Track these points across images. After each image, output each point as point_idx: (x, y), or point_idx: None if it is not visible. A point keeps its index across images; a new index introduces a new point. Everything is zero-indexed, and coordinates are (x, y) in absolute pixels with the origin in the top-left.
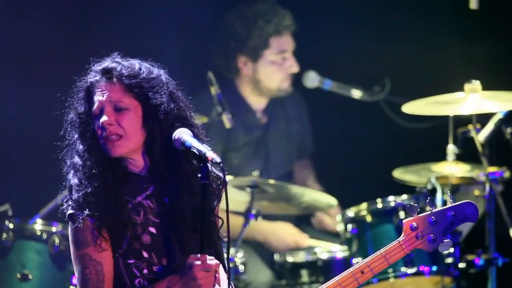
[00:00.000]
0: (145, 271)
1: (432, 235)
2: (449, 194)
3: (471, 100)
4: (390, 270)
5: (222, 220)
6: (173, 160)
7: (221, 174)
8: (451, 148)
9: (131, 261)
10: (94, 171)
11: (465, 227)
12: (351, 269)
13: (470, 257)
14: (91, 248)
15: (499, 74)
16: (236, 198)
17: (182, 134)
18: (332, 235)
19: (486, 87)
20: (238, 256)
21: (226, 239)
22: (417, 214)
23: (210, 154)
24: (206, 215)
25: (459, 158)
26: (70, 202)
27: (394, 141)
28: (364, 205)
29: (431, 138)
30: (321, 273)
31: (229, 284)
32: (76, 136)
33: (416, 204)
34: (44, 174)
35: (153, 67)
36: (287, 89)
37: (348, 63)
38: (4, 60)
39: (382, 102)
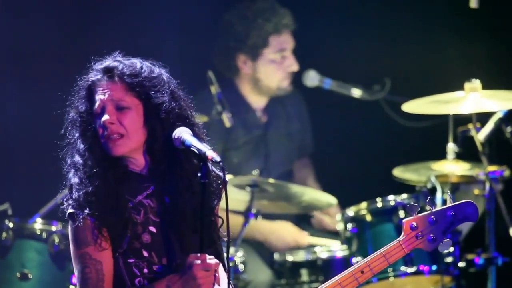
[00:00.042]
0: (145, 270)
1: (432, 235)
2: (449, 193)
3: (471, 99)
4: (390, 269)
5: (222, 219)
6: (174, 159)
7: (221, 173)
8: (451, 147)
9: (131, 260)
10: (94, 170)
11: (465, 226)
12: (351, 268)
13: (470, 256)
14: (91, 247)
15: (499, 73)
16: (236, 197)
17: (182, 133)
18: (332, 234)
19: (486, 86)
20: (238, 255)
21: (226, 239)
22: (417, 214)
23: (210, 153)
24: (206, 215)
25: (459, 156)
26: (70, 201)
27: (394, 140)
28: (364, 204)
29: (431, 137)
30: (320, 272)
31: (228, 283)
32: (77, 135)
33: (416, 204)
34: (44, 174)
35: (154, 66)
36: (287, 88)
37: (348, 62)
38: (4, 60)
39: (382, 101)
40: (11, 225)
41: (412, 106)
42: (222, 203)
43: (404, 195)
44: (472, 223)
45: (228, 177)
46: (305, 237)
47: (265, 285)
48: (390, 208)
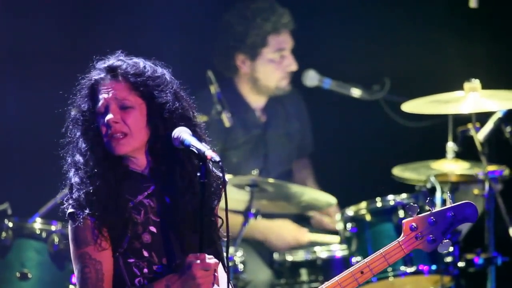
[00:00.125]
0: (145, 270)
1: (431, 236)
2: (448, 193)
3: (471, 99)
4: (389, 269)
5: (222, 219)
6: (175, 159)
7: (220, 173)
8: (451, 146)
9: (131, 260)
10: (95, 170)
11: (464, 226)
12: (350, 269)
13: (469, 256)
14: (91, 247)
15: (498, 73)
16: (235, 197)
17: (181, 132)
18: (331, 233)
19: (485, 86)
20: (238, 255)
21: (225, 238)
22: (417, 214)
23: (209, 153)
24: (206, 215)
25: (459, 156)
26: (70, 201)
27: (394, 140)
28: (363, 204)
29: (430, 137)
30: (320, 272)
31: (228, 283)
32: (78, 134)
33: (415, 204)
34: (43, 173)
35: (157, 66)
36: (286, 88)
37: (347, 62)
38: (4, 60)
39: (381, 101)
40: (10, 224)
41: (412, 106)
42: (222, 203)
43: (404, 195)
44: (471, 223)
45: (228, 176)
46: (304, 234)
47: (265, 285)
48: (390, 208)
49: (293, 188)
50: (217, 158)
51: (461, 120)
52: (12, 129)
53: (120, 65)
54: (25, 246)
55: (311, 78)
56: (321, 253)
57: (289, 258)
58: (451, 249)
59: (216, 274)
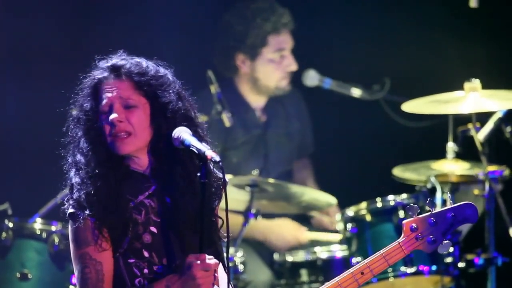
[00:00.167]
0: (146, 270)
1: (431, 236)
2: (448, 194)
3: (471, 99)
4: (389, 269)
5: (222, 220)
6: (177, 159)
7: (220, 173)
8: (451, 146)
9: (132, 260)
10: (97, 170)
11: (464, 227)
12: (351, 270)
13: (469, 256)
14: (91, 247)
15: (498, 73)
16: (235, 197)
17: (182, 132)
18: (331, 232)
19: (485, 85)
20: (238, 255)
21: (226, 239)
22: (417, 215)
23: (209, 153)
24: (206, 215)
25: (459, 156)
26: (71, 201)
27: (394, 140)
28: (363, 204)
29: (430, 137)
30: (320, 272)
31: (228, 283)
32: (80, 133)
33: (415, 205)
34: (43, 173)
35: (159, 66)
36: (286, 88)
37: (348, 61)
38: (4, 60)
39: (382, 101)
40: (11, 225)
41: (412, 106)
42: (222, 203)
43: (404, 195)
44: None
45: (228, 177)
46: (304, 234)
47: (265, 285)
48: (390, 208)
49: (293, 188)
50: (217, 158)
51: (461, 120)
52: (12, 129)
53: (124, 64)
54: (25, 247)
55: (311, 78)
56: (321, 253)
57: (289, 258)
58: (451, 249)
59: (216, 274)
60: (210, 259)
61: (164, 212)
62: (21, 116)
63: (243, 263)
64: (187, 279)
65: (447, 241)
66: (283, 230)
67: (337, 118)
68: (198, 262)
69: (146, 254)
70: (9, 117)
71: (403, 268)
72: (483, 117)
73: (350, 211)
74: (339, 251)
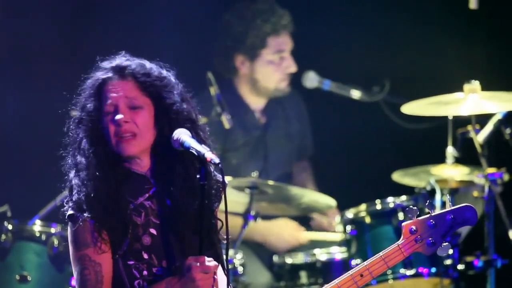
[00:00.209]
0: (145, 272)
1: (431, 239)
2: (448, 196)
3: (471, 100)
4: (389, 272)
5: (222, 222)
6: (178, 161)
7: (220, 175)
8: (450, 151)
9: (131, 262)
10: (97, 172)
11: (464, 229)
12: (350, 272)
13: (469, 258)
14: (90, 249)
15: (498, 75)
16: (235, 199)
17: (181, 134)
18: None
19: (485, 87)
20: (237, 257)
21: (225, 241)
22: (417, 217)
23: (209, 155)
24: (206, 217)
25: (458, 161)
26: (70, 203)
27: (394, 142)
28: (363, 206)
29: (430, 138)
30: (320, 274)
31: (228, 285)
32: (81, 134)
33: (415, 207)
34: (43, 175)
35: (161, 68)
36: (285, 89)
37: (347, 63)
38: (4, 60)
39: (381, 103)
40: (10, 227)
41: (412, 108)
42: (222, 205)
43: (403, 197)
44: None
45: (227, 178)
46: (303, 234)
47: (264, 287)
48: (389, 210)
49: (292, 190)
50: (217, 160)
51: (461, 122)
52: (12, 129)
53: (129, 65)
54: (25, 249)
55: (311, 80)
56: (321, 255)
57: (288, 260)
58: (450, 252)
59: (215, 276)
60: (210, 261)
61: (164, 214)
62: (21, 116)
63: (242, 265)
64: (187, 281)
65: (447, 243)
66: (283, 230)
67: (337, 120)
68: (198, 264)
69: (145, 256)
70: (9, 117)
71: (402, 270)
72: (482, 119)
73: (350, 213)
74: (339, 253)
